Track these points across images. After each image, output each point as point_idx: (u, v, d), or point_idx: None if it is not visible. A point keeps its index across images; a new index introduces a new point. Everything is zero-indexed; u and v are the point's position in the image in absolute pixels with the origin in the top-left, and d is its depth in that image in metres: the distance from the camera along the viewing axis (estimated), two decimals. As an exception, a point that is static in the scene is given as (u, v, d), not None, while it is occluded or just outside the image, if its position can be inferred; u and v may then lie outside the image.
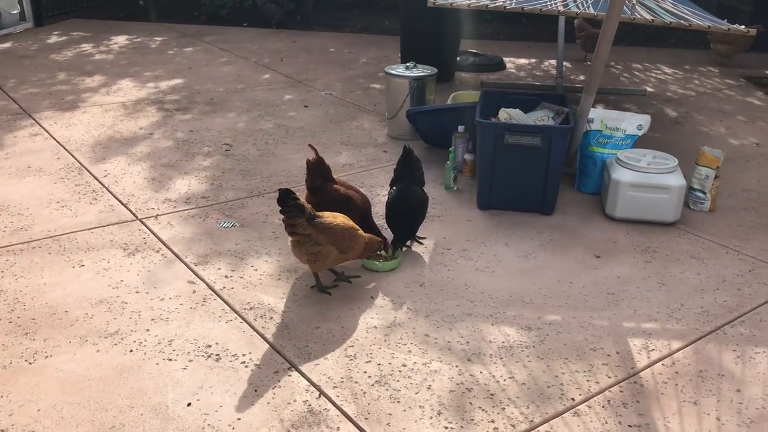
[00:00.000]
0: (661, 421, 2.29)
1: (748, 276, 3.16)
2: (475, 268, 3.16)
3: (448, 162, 3.93)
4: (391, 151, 4.47)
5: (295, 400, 2.34)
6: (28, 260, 3.13)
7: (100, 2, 8.82)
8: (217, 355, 2.54)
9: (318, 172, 3.20)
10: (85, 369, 2.46)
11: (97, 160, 4.22)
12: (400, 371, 2.49)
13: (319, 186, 3.19)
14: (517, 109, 3.98)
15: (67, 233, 3.36)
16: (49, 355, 2.52)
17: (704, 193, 3.74)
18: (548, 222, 3.61)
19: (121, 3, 8.83)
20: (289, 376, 2.45)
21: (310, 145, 3.28)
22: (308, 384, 2.41)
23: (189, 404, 2.30)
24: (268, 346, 2.60)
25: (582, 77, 6.20)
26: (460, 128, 4.08)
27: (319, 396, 2.36)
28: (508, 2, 4.56)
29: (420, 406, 2.33)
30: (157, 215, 3.58)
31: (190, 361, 2.51)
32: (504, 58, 6.66)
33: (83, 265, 3.10)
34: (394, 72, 4.66)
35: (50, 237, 3.33)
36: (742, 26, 4.19)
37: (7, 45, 6.98)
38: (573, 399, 2.38)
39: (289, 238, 2.83)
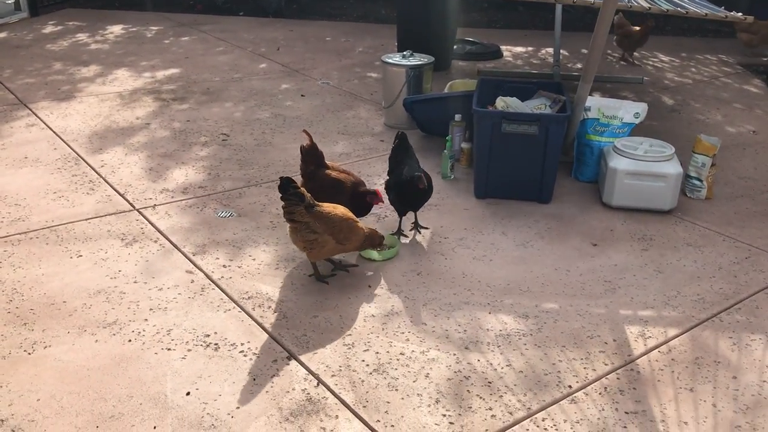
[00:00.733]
0: (657, 408, 2.31)
1: (744, 263, 3.17)
2: (473, 257, 3.16)
3: (445, 151, 3.93)
4: (388, 140, 4.46)
5: (293, 389, 2.35)
6: (25, 251, 3.13)
7: (96, -9, 8.77)
8: (216, 344, 2.55)
9: (311, 158, 3.23)
10: (84, 359, 2.46)
11: (93, 151, 4.21)
12: (398, 359, 2.50)
13: (312, 172, 3.21)
14: (514, 98, 3.98)
15: (64, 224, 3.36)
16: (48, 346, 2.53)
17: (701, 180, 3.75)
18: (545, 210, 3.62)
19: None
20: (288, 365, 2.46)
21: (304, 131, 3.29)
22: (306, 373, 2.42)
23: (188, 393, 2.31)
24: (266, 335, 2.61)
25: (579, 65, 6.20)
26: (457, 117, 4.08)
27: (318, 384, 2.37)
28: (505, -10, 4.54)
29: (418, 394, 2.34)
30: (155, 205, 3.58)
31: (189, 350, 2.52)
32: (501, 47, 6.64)
33: (81, 256, 3.10)
34: (390, 61, 4.65)
35: (48, 227, 3.32)
36: (740, 14, 4.18)
37: (2, 35, 6.94)
38: (570, 386, 2.39)
39: (288, 225, 2.86)
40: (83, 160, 4.08)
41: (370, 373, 2.43)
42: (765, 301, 2.90)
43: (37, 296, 2.81)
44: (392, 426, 2.20)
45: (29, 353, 2.49)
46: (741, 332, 2.70)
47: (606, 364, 2.50)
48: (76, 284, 2.89)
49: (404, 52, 4.71)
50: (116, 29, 7.28)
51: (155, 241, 3.23)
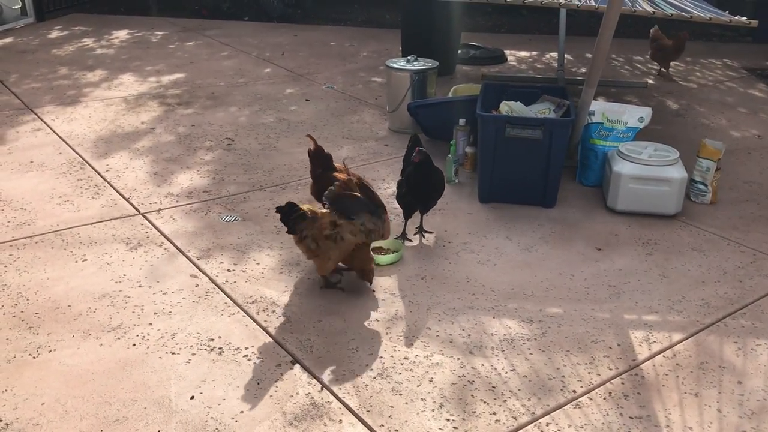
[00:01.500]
0: (662, 412, 2.30)
1: (749, 268, 3.16)
2: (477, 261, 3.16)
3: (449, 155, 3.93)
4: (393, 144, 4.47)
5: (297, 393, 2.35)
6: (31, 255, 3.14)
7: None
8: (220, 348, 2.56)
9: (318, 161, 3.24)
10: (89, 363, 2.47)
11: (99, 155, 4.23)
12: (401, 364, 2.50)
13: (320, 175, 3.22)
14: (518, 102, 3.98)
15: (69, 228, 3.37)
16: (52, 349, 2.54)
17: (705, 185, 3.74)
18: (549, 215, 3.62)
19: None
20: (292, 369, 2.46)
21: (308, 135, 3.30)
22: (310, 377, 2.43)
23: (192, 397, 2.32)
24: (270, 339, 2.61)
25: (583, 70, 6.19)
26: (461, 121, 4.08)
27: (321, 389, 2.37)
28: (509, -5, 4.55)
29: (422, 399, 2.34)
30: (160, 209, 3.58)
31: (193, 354, 2.52)
32: (505, 51, 6.65)
33: (86, 260, 3.11)
34: (395, 65, 4.65)
35: (53, 231, 3.34)
36: (744, 17, 4.18)
37: (8, 40, 6.98)
38: (574, 391, 2.39)
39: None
40: (88, 164, 4.09)
41: (374, 378, 2.43)
42: (770, 305, 2.89)
43: (42, 300, 2.82)
44: (396, 430, 2.20)
45: (34, 357, 2.50)
46: (746, 337, 2.69)
47: (610, 369, 2.50)
48: (80, 288, 2.90)
49: (408, 57, 4.72)
50: (122, 34, 7.31)
51: (160, 246, 3.24)
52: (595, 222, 3.55)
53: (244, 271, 3.05)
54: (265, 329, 2.67)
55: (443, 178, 3.35)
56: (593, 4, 4.38)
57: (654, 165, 3.56)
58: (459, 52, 6.29)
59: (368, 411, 2.28)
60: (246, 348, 2.56)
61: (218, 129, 4.68)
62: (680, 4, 4.40)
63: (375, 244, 3.17)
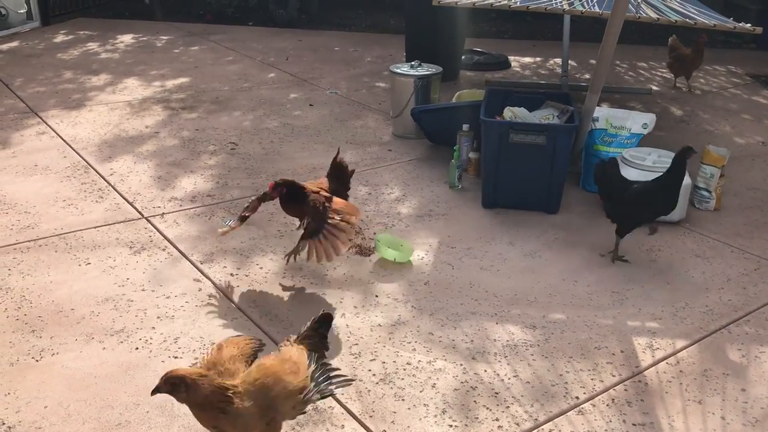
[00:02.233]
0: (665, 420, 2.29)
1: (753, 275, 3.16)
2: (480, 267, 3.16)
3: (452, 160, 3.93)
4: (396, 149, 4.48)
5: (300, 398, 2.34)
6: (34, 258, 3.15)
7: (107, 1, 8.84)
8: (223, 352, 2.55)
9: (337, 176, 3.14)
10: (92, 366, 2.47)
11: (103, 159, 4.24)
12: (404, 369, 2.49)
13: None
14: (522, 108, 3.98)
15: (73, 231, 3.38)
16: (55, 353, 2.54)
17: (709, 191, 3.73)
18: (553, 221, 3.61)
19: (127, 2, 8.85)
20: (294, 374, 2.46)
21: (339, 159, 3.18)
22: (313, 382, 2.42)
23: (194, 402, 2.31)
24: (273, 344, 2.61)
25: (587, 76, 6.19)
26: (465, 127, 4.08)
27: (324, 394, 2.37)
28: (513, 1, 4.56)
29: (424, 405, 2.33)
30: (163, 213, 3.59)
31: (196, 359, 2.52)
32: (509, 57, 6.65)
33: (89, 263, 3.12)
34: (398, 71, 4.66)
35: (57, 235, 3.34)
36: (748, 24, 4.18)
37: (14, 44, 7.00)
38: (577, 398, 2.38)
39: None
40: (93, 168, 4.10)
41: (377, 383, 2.43)
42: (774, 313, 2.88)
43: (46, 303, 2.82)
44: (398, 436, 2.20)
45: (37, 360, 2.50)
46: (750, 344, 2.68)
47: (613, 376, 2.49)
48: (84, 292, 2.91)
49: (412, 62, 4.73)
50: (126, 39, 7.33)
51: (163, 250, 3.25)
52: (599, 228, 3.54)
53: (246, 276, 3.05)
54: (267, 334, 2.67)
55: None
56: (597, 10, 4.38)
57: (658, 171, 3.55)
58: (463, 57, 6.30)
59: (371, 416, 2.28)
60: (248, 352, 2.56)
61: (222, 133, 4.69)
62: (684, 11, 4.40)
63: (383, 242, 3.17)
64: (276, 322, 2.74)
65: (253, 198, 3.12)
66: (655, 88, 5.91)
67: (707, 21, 4.22)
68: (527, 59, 6.82)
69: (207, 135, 4.66)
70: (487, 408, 2.32)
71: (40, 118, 4.91)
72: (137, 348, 2.57)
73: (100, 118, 4.94)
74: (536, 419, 2.28)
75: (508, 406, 2.33)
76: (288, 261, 3.07)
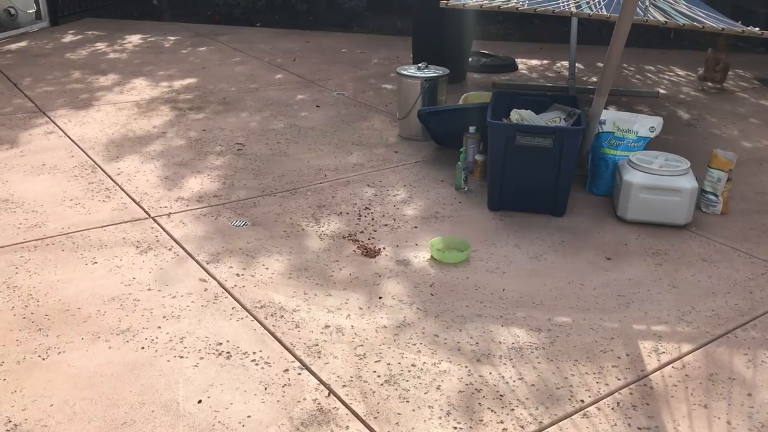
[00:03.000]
0: (671, 424, 2.29)
1: (760, 279, 3.15)
2: (486, 269, 3.16)
3: (458, 163, 3.93)
4: (402, 151, 4.48)
5: (304, 399, 2.35)
6: (41, 257, 3.16)
7: (115, 1, 8.88)
8: (228, 352, 2.56)
9: None
10: (97, 365, 2.48)
11: (110, 159, 4.25)
12: (409, 371, 2.50)
13: None
14: (529, 110, 3.98)
15: (80, 230, 3.39)
16: (62, 351, 2.55)
17: (716, 195, 3.72)
18: (559, 223, 3.61)
19: (136, 2, 8.89)
20: (299, 374, 2.46)
21: None
22: (318, 383, 2.43)
23: (199, 401, 2.32)
24: (278, 344, 2.62)
25: (594, 79, 6.19)
26: (471, 129, 4.08)
27: (329, 395, 2.37)
28: (520, 3, 4.56)
29: (429, 406, 2.33)
30: (170, 213, 3.60)
31: (201, 358, 2.53)
32: (516, 59, 6.65)
33: (96, 263, 3.13)
34: (405, 72, 4.66)
35: (64, 234, 3.36)
36: (757, 28, 4.16)
37: (23, 44, 7.04)
38: (582, 401, 2.38)
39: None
40: (100, 167, 4.12)
41: (381, 385, 2.43)
42: (781, 317, 2.87)
43: (52, 302, 2.84)
44: (403, 438, 2.20)
45: (43, 359, 2.51)
46: (756, 349, 2.67)
47: (619, 379, 2.49)
48: (90, 291, 2.92)
49: (419, 64, 4.73)
50: (135, 39, 7.36)
51: (170, 249, 3.26)
52: (605, 231, 3.54)
53: (253, 276, 3.06)
54: (273, 334, 2.67)
55: None
56: (605, 13, 4.37)
57: (665, 175, 3.55)
58: (470, 59, 6.30)
59: (375, 418, 2.28)
60: (254, 353, 2.56)
61: (229, 134, 4.71)
62: (692, 14, 4.39)
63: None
64: (281, 322, 2.75)
65: None
66: (662, 91, 5.90)
67: (715, 24, 4.21)
68: (534, 62, 6.81)
69: (214, 135, 4.68)
70: (492, 410, 2.32)
71: (48, 117, 4.93)
72: (143, 347, 2.58)
73: (107, 117, 4.96)
74: (541, 422, 2.28)
75: (512, 409, 2.33)
76: None
